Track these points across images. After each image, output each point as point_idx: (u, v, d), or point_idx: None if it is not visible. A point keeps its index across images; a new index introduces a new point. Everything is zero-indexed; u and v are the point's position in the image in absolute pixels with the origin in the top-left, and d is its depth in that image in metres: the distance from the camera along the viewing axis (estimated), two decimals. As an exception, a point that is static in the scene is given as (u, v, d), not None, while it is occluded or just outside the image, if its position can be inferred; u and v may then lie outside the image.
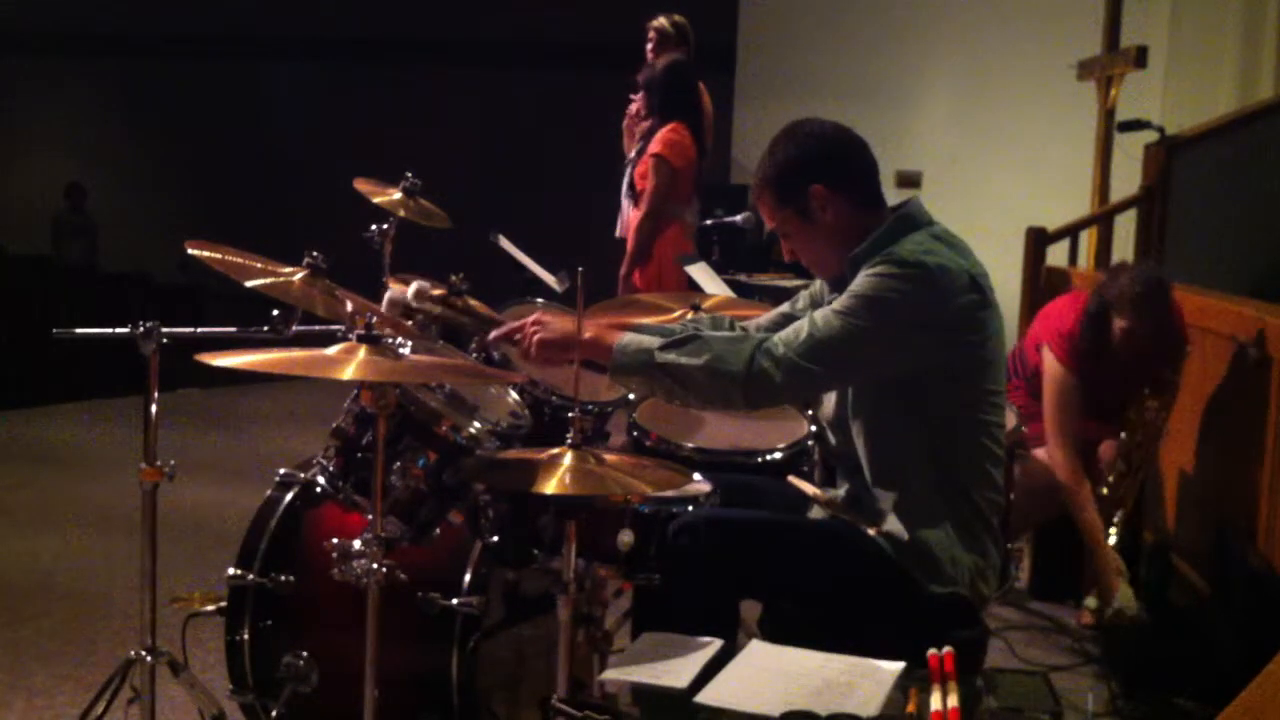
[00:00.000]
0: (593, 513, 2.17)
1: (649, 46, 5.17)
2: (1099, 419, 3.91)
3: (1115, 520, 3.73)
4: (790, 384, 2.15)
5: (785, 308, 2.56)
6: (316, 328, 2.41)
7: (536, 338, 2.28)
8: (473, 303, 2.92)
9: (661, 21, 5.17)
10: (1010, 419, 2.76)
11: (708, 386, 2.18)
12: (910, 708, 1.78)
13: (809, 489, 2.46)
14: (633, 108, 5.17)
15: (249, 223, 9.87)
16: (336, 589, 2.18)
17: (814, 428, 3.02)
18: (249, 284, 2.34)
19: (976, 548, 2.27)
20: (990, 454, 2.30)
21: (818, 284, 2.52)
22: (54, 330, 2.52)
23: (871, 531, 2.25)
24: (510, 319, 2.96)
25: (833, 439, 2.43)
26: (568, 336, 2.25)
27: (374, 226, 3.11)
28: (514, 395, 2.76)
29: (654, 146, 4.80)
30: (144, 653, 2.46)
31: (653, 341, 2.21)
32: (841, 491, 2.43)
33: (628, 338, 2.23)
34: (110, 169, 12.96)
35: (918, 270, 2.16)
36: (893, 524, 2.25)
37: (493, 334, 2.43)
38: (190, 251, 2.40)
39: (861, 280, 2.19)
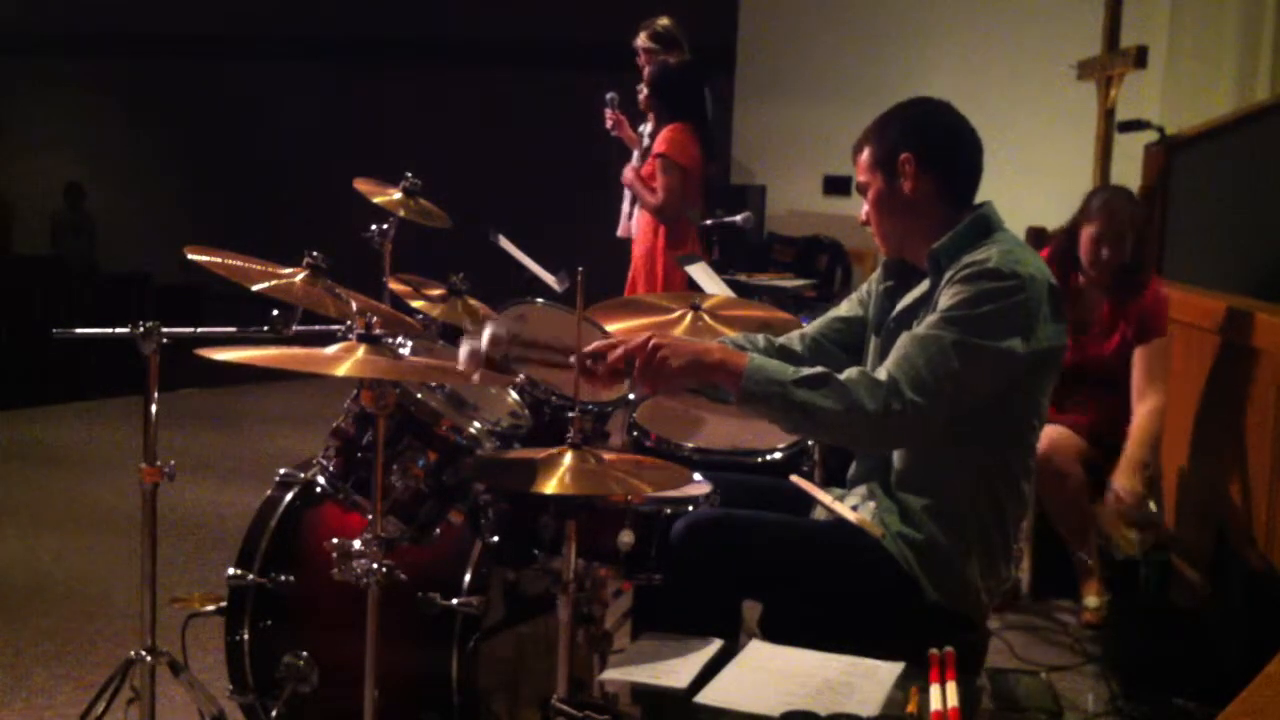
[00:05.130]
0: (593, 512, 2.17)
1: (640, 62, 5.11)
2: (1086, 382, 3.95)
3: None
4: (918, 422, 2.09)
5: (834, 312, 2.55)
6: (316, 327, 2.41)
7: (670, 364, 2.12)
8: (472, 302, 2.93)
9: (643, 39, 5.11)
10: None
11: (843, 428, 2.13)
12: (910, 708, 1.78)
13: (814, 490, 2.46)
14: (609, 122, 5.16)
15: (249, 222, 9.90)
16: (337, 589, 2.18)
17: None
18: (255, 288, 2.34)
19: (991, 573, 2.27)
20: (1027, 467, 2.30)
21: (865, 285, 2.52)
22: (54, 330, 2.53)
23: (878, 534, 2.24)
24: (510, 319, 2.97)
25: None
26: (699, 358, 2.14)
27: (374, 226, 3.11)
28: (514, 395, 2.76)
29: (658, 146, 4.79)
30: (144, 653, 2.47)
31: (783, 374, 2.12)
32: (848, 494, 2.43)
33: (756, 364, 2.13)
34: (110, 169, 12.95)
35: (1014, 281, 2.14)
36: (910, 527, 2.24)
37: (607, 360, 2.15)
38: (190, 257, 2.40)
39: (956, 296, 2.15)
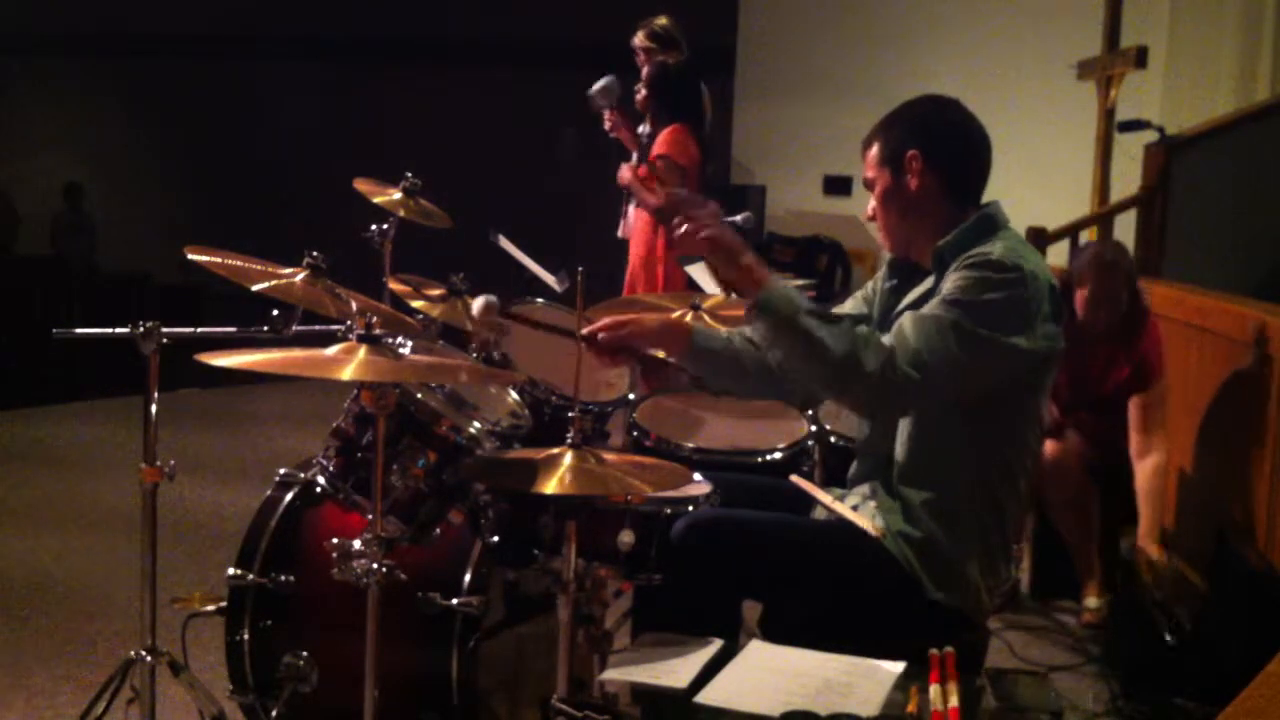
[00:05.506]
0: (593, 512, 2.17)
1: (639, 61, 5.09)
2: (1085, 407, 3.94)
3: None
4: (908, 394, 2.10)
5: (838, 309, 2.54)
6: (316, 327, 2.41)
7: (707, 226, 2.21)
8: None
9: (641, 39, 5.08)
10: None
11: (834, 372, 2.11)
12: (910, 708, 1.78)
13: (814, 490, 2.46)
14: (607, 124, 5.15)
15: (249, 223, 9.89)
16: (337, 589, 2.18)
17: (814, 427, 3.02)
18: (255, 288, 2.34)
19: (990, 570, 2.27)
20: (1026, 469, 2.30)
21: (870, 283, 2.53)
22: (54, 330, 2.53)
23: (878, 533, 2.24)
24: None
25: (866, 429, 2.43)
26: (736, 246, 2.22)
27: (374, 226, 3.11)
28: (514, 395, 2.76)
29: (658, 148, 4.77)
30: (144, 653, 2.46)
31: (801, 302, 2.14)
32: (848, 494, 2.43)
33: (780, 284, 2.17)
34: (110, 169, 12.96)
35: (1015, 273, 2.14)
36: (911, 525, 2.24)
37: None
38: (190, 257, 2.40)
39: (958, 283, 2.15)
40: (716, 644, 2.01)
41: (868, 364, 2.06)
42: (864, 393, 2.13)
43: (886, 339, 2.12)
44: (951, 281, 2.16)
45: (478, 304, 2.35)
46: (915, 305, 2.29)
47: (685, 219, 2.21)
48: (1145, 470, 3.80)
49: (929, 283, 2.30)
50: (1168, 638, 3.30)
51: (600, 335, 2.30)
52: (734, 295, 3.08)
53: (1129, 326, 3.85)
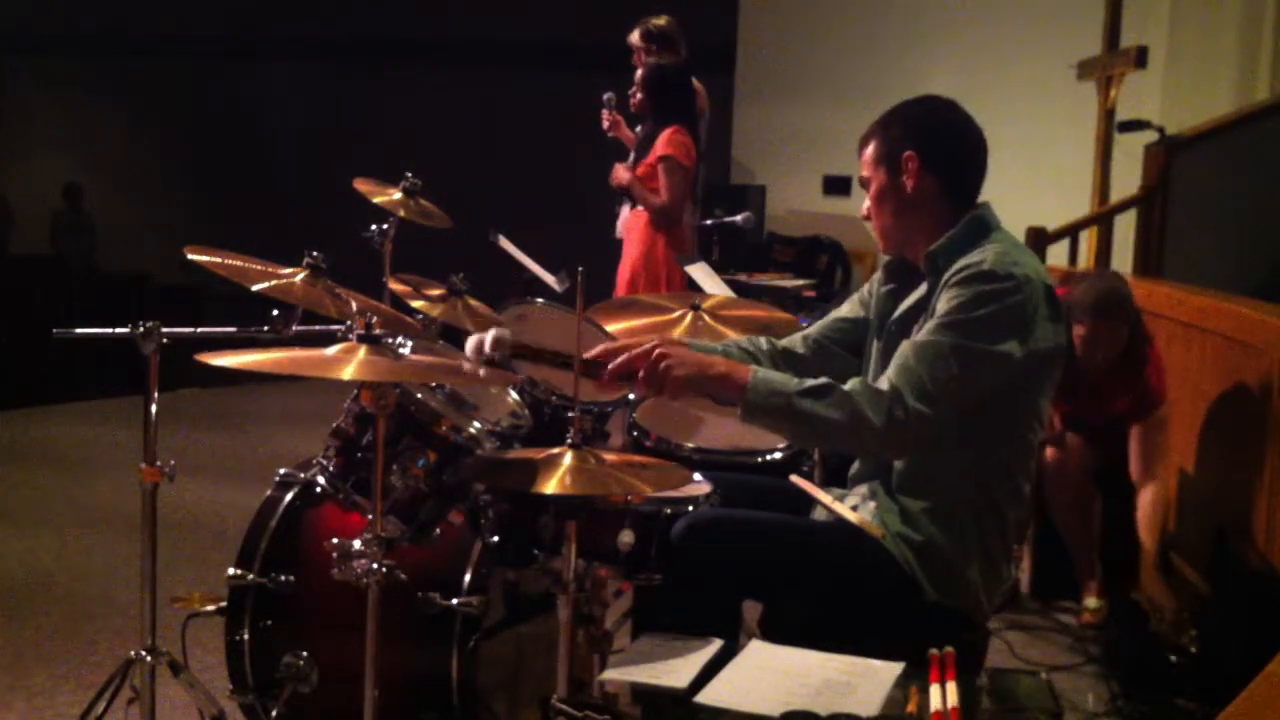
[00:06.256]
0: (593, 513, 2.17)
1: (637, 61, 5.08)
2: (1085, 432, 3.95)
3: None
4: (921, 429, 2.10)
5: (835, 313, 2.55)
6: (316, 327, 2.41)
7: (673, 374, 2.14)
8: (472, 302, 2.93)
9: (638, 38, 5.07)
10: None
11: (847, 438, 2.14)
12: (910, 708, 1.78)
13: (814, 490, 2.46)
14: (605, 124, 5.14)
15: (248, 222, 9.89)
16: (337, 589, 2.18)
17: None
18: (255, 288, 2.34)
19: (992, 574, 2.26)
20: (1026, 469, 2.30)
21: (867, 286, 2.53)
22: (54, 330, 2.53)
23: (878, 534, 2.24)
24: (510, 319, 2.97)
25: None
26: (702, 370, 2.16)
27: (374, 226, 3.11)
28: (514, 395, 2.76)
29: (661, 149, 4.76)
30: (144, 653, 2.47)
31: (787, 385, 2.13)
32: (848, 494, 2.43)
33: (759, 377, 2.15)
34: (110, 169, 12.95)
35: (1010, 282, 2.14)
36: (910, 528, 2.24)
37: (610, 366, 2.17)
38: (190, 257, 2.40)
39: (953, 301, 2.15)
40: (716, 644, 2.01)
41: (874, 420, 2.08)
42: (879, 444, 2.15)
43: (885, 382, 2.12)
44: (946, 300, 2.17)
45: (468, 348, 2.22)
46: (912, 313, 2.30)
47: (651, 367, 2.15)
48: (1146, 499, 3.79)
49: (924, 289, 2.30)
50: (1172, 658, 3.32)
51: (598, 363, 2.27)
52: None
53: (1130, 360, 3.81)
